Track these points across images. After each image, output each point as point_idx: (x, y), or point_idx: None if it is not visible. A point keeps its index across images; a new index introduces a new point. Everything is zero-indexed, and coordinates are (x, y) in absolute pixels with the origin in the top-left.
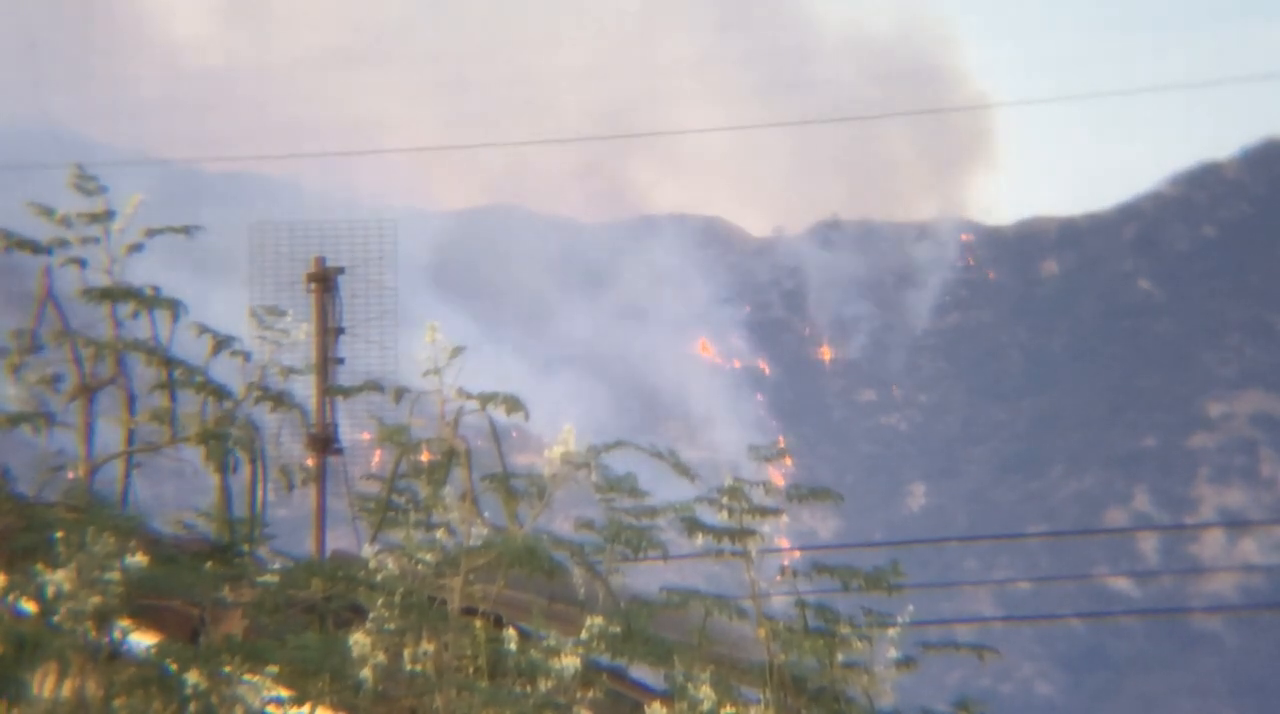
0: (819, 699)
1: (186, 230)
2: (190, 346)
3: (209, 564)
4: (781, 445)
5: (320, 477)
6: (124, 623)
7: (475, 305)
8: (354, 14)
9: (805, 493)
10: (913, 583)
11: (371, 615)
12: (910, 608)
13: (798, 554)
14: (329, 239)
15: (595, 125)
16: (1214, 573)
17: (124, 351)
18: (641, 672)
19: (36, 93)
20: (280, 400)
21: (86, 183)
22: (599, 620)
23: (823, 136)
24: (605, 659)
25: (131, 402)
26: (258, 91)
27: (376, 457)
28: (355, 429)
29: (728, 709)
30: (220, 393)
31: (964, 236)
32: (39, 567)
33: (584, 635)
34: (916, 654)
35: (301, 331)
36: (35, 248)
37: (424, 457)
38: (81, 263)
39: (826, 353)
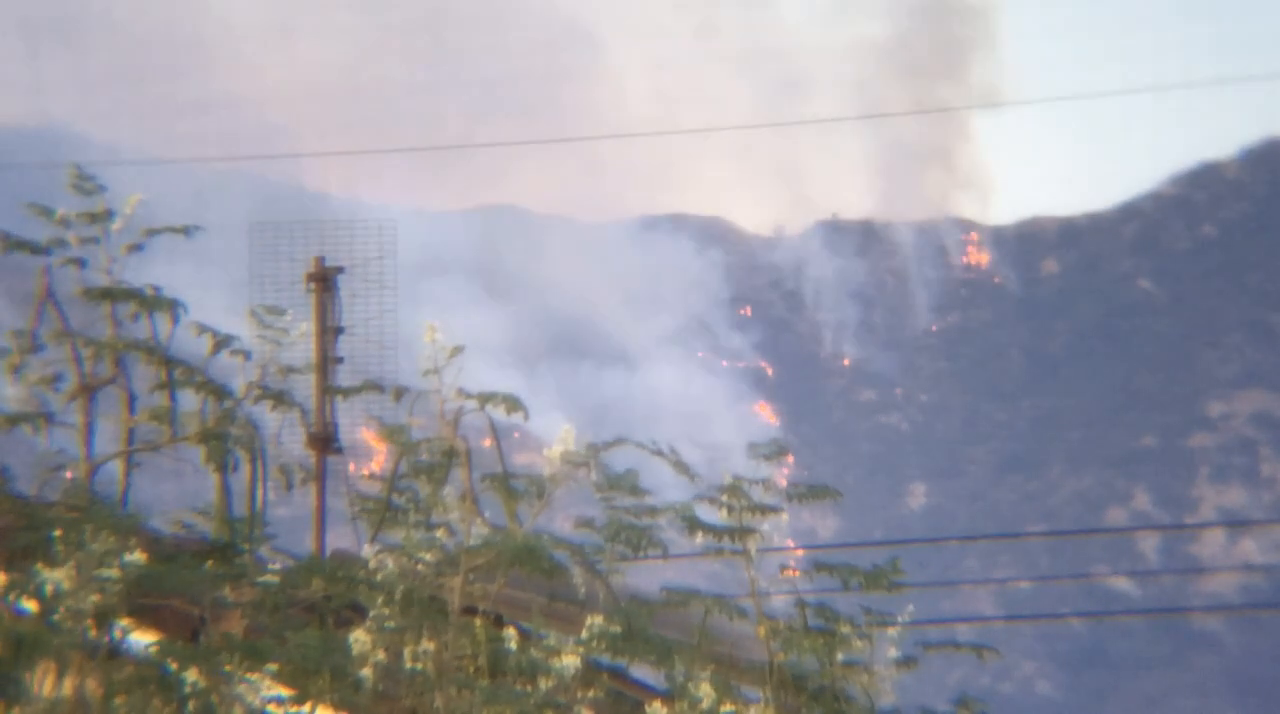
0: (819, 698)
1: (186, 231)
2: (190, 346)
3: (209, 563)
4: (780, 444)
5: (320, 476)
6: (124, 622)
7: (475, 305)
8: (353, 11)
9: (804, 491)
10: (913, 582)
11: (372, 614)
12: (910, 607)
13: (800, 553)
14: (329, 239)
15: (596, 125)
16: (1214, 572)
17: (124, 351)
18: (642, 671)
19: (36, 93)
20: (280, 400)
21: (85, 183)
22: (599, 619)
23: (823, 136)
24: (605, 658)
25: (131, 401)
26: (258, 91)
27: (380, 457)
28: (355, 429)
29: (728, 708)
30: (220, 392)
31: (964, 236)
32: (38, 566)
33: (584, 634)
34: (917, 653)
35: (301, 331)
36: (34, 248)
37: (424, 456)
38: (81, 263)
39: (827, 352)
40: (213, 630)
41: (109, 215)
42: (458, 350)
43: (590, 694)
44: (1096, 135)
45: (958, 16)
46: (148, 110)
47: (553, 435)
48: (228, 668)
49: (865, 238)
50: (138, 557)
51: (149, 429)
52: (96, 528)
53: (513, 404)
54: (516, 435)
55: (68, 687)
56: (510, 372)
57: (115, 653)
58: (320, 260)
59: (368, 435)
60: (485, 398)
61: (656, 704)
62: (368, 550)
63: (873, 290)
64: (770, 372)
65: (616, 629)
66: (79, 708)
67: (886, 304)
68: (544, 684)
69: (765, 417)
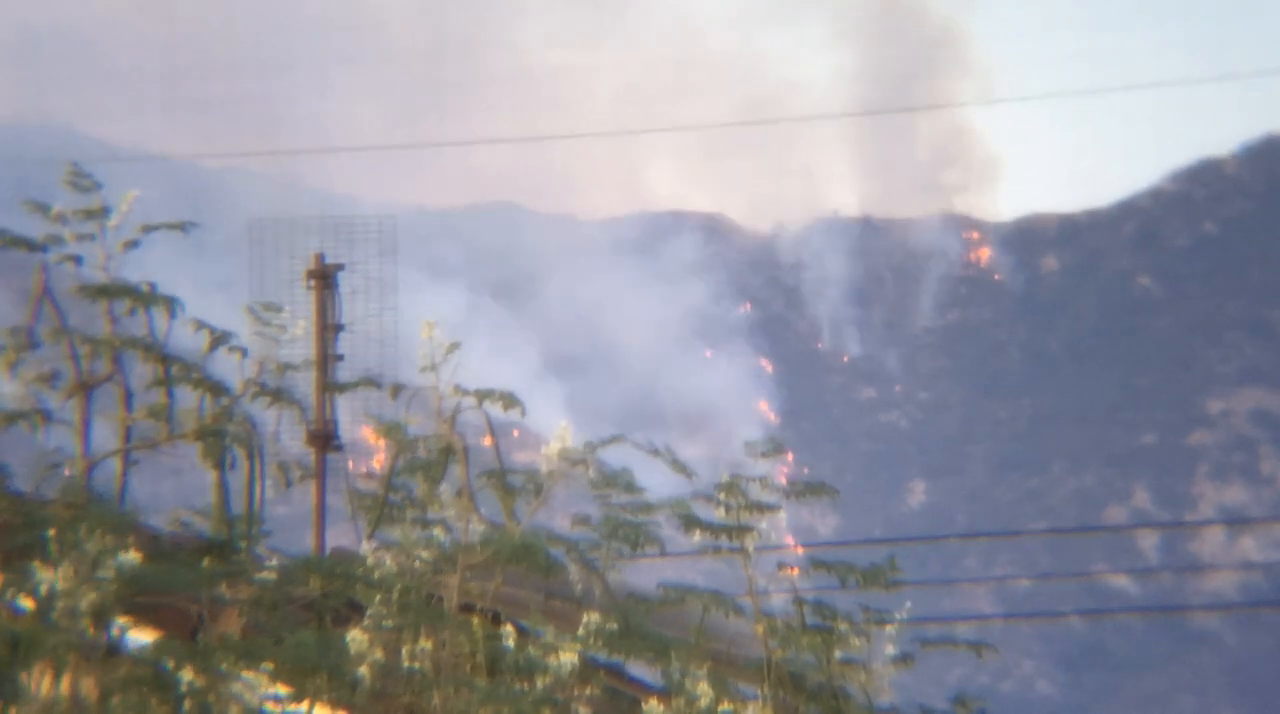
0: (817, 696)
1: (183, 227)
2: (188, 343)
3: (206, 561)
4: (778, 441)
5: (319, 473)
6: (122, 620)
7: (475, 303)
8: (353, 10)
9: (802, 489)
10: (912, 580)
11: (369, 613)
12: (908, 605)
13: (799, 550)
14: (329, 235)
15: (595, 123)
16: (1214, 570)
17: (121, 348)
18: (639, 668)
19: (36, 90)
20: (278, 397)
21: (81, 179)
22: (596, 617)
23: (823, 133)
24: (603, 656)
25: (128, 398)
26: (257, 88)
27: (380, 454)
28: (356, 426)
29: (725, 706)
30: (218, 389)
31: (964, 233)
32: (35, 564)
33: (581, 632)
34: (915, 651)
35: (300, 328)
36: (31, 245)
37: (421, 453)
38: (77, 260)
39: (826, 350)
40: (210, 629)
41: (105, 212)
42: (455, 347)
43: (587, 691)
44: (1096, 132)
45: (957, 14)
46: (147, 108)
47: (551, 433)
48: (224, 666)
49: (865, 235)
50: (133, 556)
51: (146, 426)
52: (91, 526)
53: (510, 401)
54: (515, 433)
55: (65, 685)
56: (508, 370)
57: (113, 651)
58: (320, 257)
59: (367, 433)
60: (483, 395)
61: (653, 702)
62: (365, 548)
63: (872, 287)
64: (770, 369)
65: (614, 626)
66: (76, 707)
67: (886, 301)
68: (541, 682)
69: (765, 414)
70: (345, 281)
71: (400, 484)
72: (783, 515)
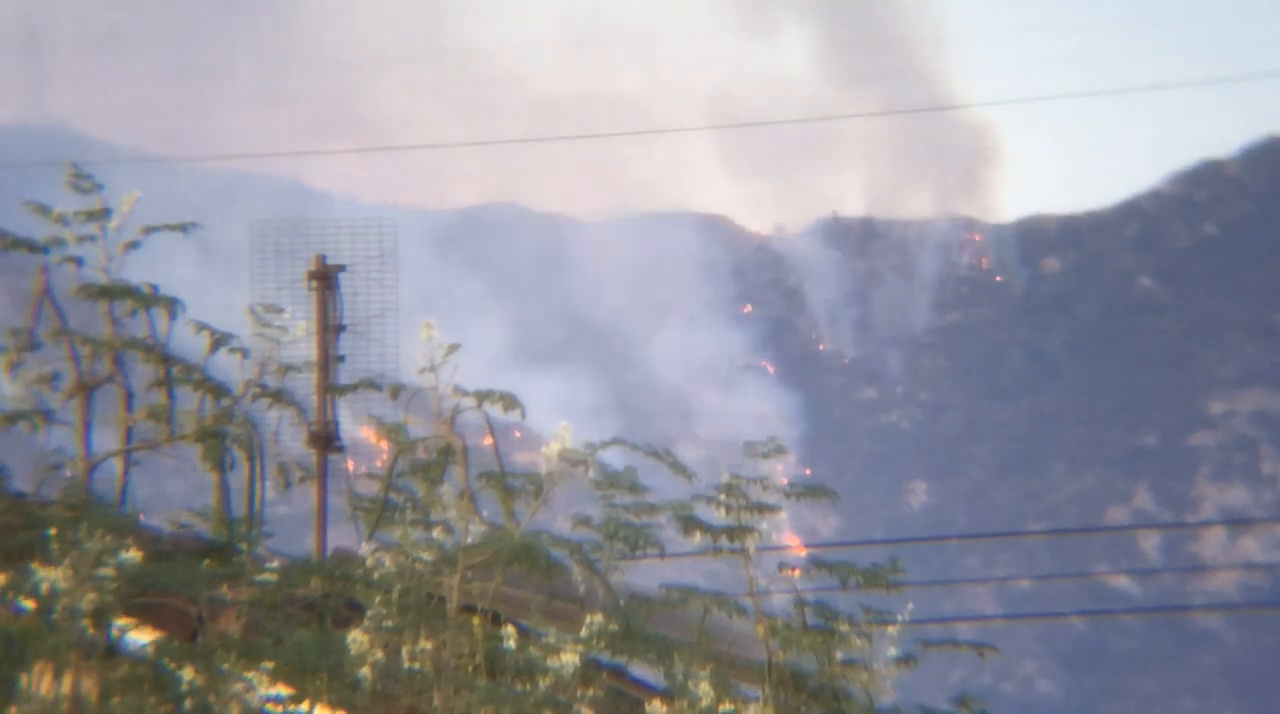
0: (818, 697)
1: (184, 228)
2: (189, 344)
3: (207, 562)
4: (779, 442)
5: (320, 474)
6: (122, 621)
7: (475, 303)
8: (354, 11)
9: (803, 490)
10: (913, 581)
11: (370, 613)
12: (910, 605)
13: (801, 551)
14: (330, 237)
15: (595, 123)
16: (1215, 571)
17: (121, 349)
18: (641, 669)
19: (37, 91)
20: (278, 398)
21: (82, 181)
22: (598, 618)
23: (823, 134)
24: (604, 657)
25: (129, 399)
26: (258, 89)
27: (383, 455)
28: (358, 427)
29: (727, 706)
30: (218, 390)
31: (965, 234)
32: (35, 565)
33: (583, 633)
34: (917, 652)
35: (301, 329)
36: (32, 246)
37: (421, 454)
38: (78, 261)
39: (827, 351)
40: (210, 629)
41: (106, 213)
42: (454, 348)
43: (589, 693)
44: (1097, 133)
45: (958, 16)
46: (148, 110)
47: (552, 434)
48: (225, 667)
49: (866, 236)
50: (133, 555)
51: (147, 427)
52: (92, 527)
53: (510, 402)
54: (517, 434)
55: (65, 685)
56: (510, 369)
57: (113, 652)
58: (321, 258)
59: (368, 434)
60: (482, 396)
61: (656, 703)
62: (365, 549)
63: (873, 288)
64: (771, 370)
65: (615, 627)
66: (76, 707)
67: (887, 302)
68: (543, 683)
69: (764, 415)
70: (346, 283)
71: (401, 485)
72: (784, 516)
